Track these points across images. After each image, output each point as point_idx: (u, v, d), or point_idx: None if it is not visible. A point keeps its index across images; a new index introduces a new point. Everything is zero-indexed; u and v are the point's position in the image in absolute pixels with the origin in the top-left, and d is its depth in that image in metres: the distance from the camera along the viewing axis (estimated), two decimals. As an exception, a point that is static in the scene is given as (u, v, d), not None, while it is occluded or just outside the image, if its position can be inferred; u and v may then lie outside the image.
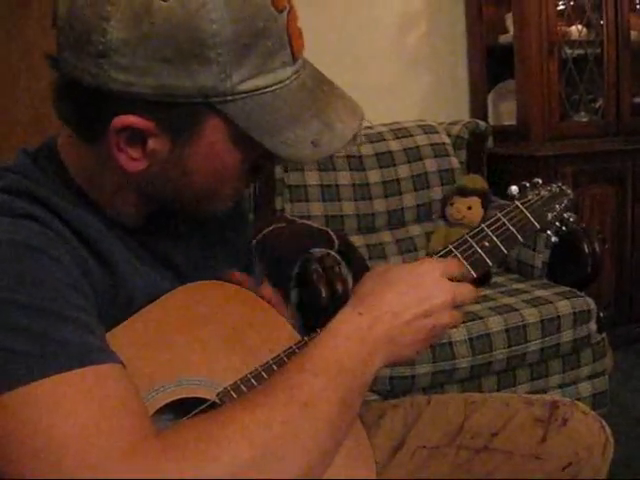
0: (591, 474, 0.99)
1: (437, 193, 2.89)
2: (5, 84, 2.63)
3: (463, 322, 2.14)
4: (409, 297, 0.85)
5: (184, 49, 0.72)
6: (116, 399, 0.68)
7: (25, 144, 0.90)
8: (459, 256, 0.97)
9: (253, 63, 0.76)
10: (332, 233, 2.44)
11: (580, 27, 3.14)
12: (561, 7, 3.07)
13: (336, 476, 0.85)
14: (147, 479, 0.63)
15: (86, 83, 0.75)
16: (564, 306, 2.28)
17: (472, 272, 0.98)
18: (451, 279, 0.90)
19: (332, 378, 0.77)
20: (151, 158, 0.80)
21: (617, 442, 1.05)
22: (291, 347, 0.91)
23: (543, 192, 1.12)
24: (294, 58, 0.80)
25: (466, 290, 0.90)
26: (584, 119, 3.24)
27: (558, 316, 2.25)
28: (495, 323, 2.18)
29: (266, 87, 0.78)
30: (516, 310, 2.24)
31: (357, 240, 2.70)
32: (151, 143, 0.78)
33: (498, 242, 1.01)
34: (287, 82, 0.80)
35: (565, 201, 1.13)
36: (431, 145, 2.92)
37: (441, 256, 0.97)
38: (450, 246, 0.98)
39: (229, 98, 0.76)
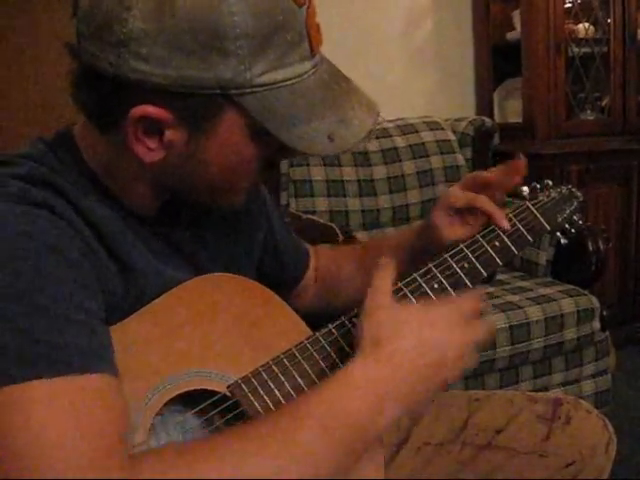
0: (594, 472, 0.99)
1: (442, 190, 2.89)
2: (12, 75, 2.64)
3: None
4: (426, 344, 0.83)
5: (204, 41, 0.72)
6: (96, 415, 0.67)
7: (27, 134, 0.90)
8: (470, 255, 0.98)
9: (272, 56, 0.76)
10: (337, 228, 2.45)
11: (587, 25, 3.14)
12: (568, 5, 3.06)
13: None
14: None
15: (105, 72, 0.75)
16: (568, 304, 2.28)
17: (482, 271, 0.98)
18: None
19: (329, 430, 0.75)
20: (168, 149, 0.80)
21: (620, 441, 1.05)
22: (302, 342, 0.91)
23: (553, 194, 1.12)
24: (312, 53, 0.81)
25: (479, 332, 0.88)
26: (590, 117, 3.24)
27: (562, 314, 2.25)
28: (498, 320, 2.17)
29: (284, 80, 0.78)
30: (520, 308, 2.23)
31: (362, 236, 2.70)
32: (168, 134, 0.78)
33: (509, 242, 1.01)
34: (305, 76, 0.80)
35: (575, 203, 1.14)
36: (437, 142, 2.92)
37: (452, 255, 0.97)
38: (461, 245, 0.99)
39: (247, 91, 0.76)
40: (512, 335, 2.18)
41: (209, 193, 0.89)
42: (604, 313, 2.34)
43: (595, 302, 2.32)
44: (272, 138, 0.79)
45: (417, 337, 0.83)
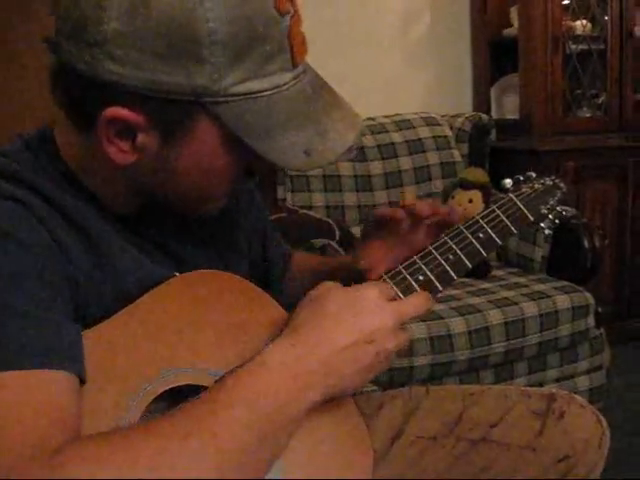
0: (587, 467, 0.99)
1: (438, 186, 2.90)
2: (10, 72, 2.63)
3: (462, 315, 2.16)
4: (347, 324, 0.81)
5: (178, 45, 0.72)
6: (37, 408, 0.67)
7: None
8: (454, 247, 0.98)
9: (249, 66, 0.75)
10: (333, 224, 2.45)
11: (584, 22, 3.14)
12: (566, 2, 3.06)
13: (333, 463, 0.86)
14: None
15: (80, 71, 0.75)
16: (563, 300, 2.28)
17: (467, 263, 0.98)
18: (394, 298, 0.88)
19: (248, 412, 0.73)
20: (140, 153, 0.79)
21: (613, 437, 1.05)
22: None
23: (537, 185, 1.13)
24: (294, 64, 0.79)
25: (412, 303, 0.88)
26: (587, 114, 3.25)
27: (557, 310, 2.26)
28: (494, 316, 2.18)
29: (261, 91, 0.76)
30: (515, 304, 2.24)
31: (358, 231, 2.70)
32: (140, 138, 0.77)
33: (492, 234, 1.01)
34: (284, 87, 0.78)
35: (558, 194, 1.14)
36: (433, 137, 2.93)
37: (436, 247, 0.97)
38: (445, 237, 0.99)
39: (221, 99, 0.75)
40: (507, 331, 2.19)
41: (183, 199, 0.88)
42: (599, 310, 2.35)
43: (590, 299, 2.33)
44: (247, 149, 0.78)
45: (339, 317, 0.82)
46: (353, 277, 0.98)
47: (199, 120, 0.77)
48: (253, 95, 0.76)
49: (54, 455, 0.64)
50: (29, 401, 0.67)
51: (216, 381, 0.80)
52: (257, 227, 1.15)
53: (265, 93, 0.77)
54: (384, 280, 0.94)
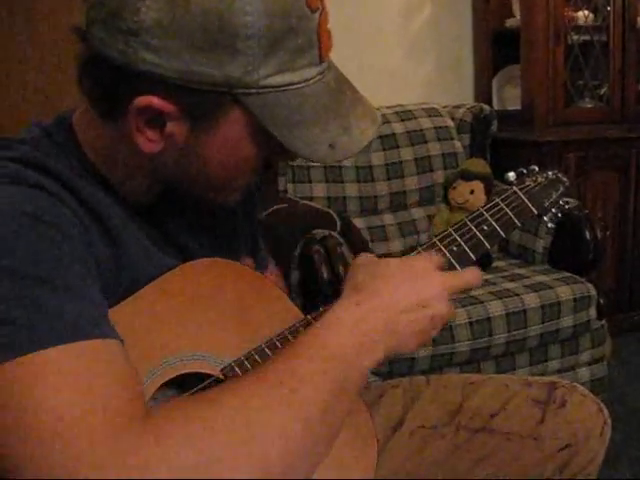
0: (588, 456, 0.99)
1: (440, 177, 2.89)
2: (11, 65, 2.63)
3: (463, 306, 2.15)
4: (404, 288, 0.84)
5: (215, 37, 0.72)
6: (106, 378, 0.67)
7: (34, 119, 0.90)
8: (459, 239, 0.98)
9: (281, 59, 0.76)
10: (334, 214, 2.45)
11: (587, 13, 3.13)
12: (568, -8, 3.06)
13: (339, 453, 0.86)
14: (128, 462, 0.62)
15: (113, 59, 0.75)
16: (564, 292, 2.28)
17: (471, 255, 0.99)
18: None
19: (326, 365, 0.75)
20: (168, 142, 0.80)
21: (615, 428, 1.05)
22: (294, 324, 0.91)
23: (540, 179, 1.13)
24: (321, 59, 0.80)
25: (464, 276, 0.90)
26: (589, 105, 3.23)
27: (558, 302, 2.26)
28: (495, 307, 2.18)
29: (291, 84, 0.77)
30: (517, 295, 2.24)
31: (359, 222, 2.71)
32: (170, 127, 0.78)
33: (497, 226, 1.02)
34: (311, 82, 0.79)
35: (561, 188, 1.14)
36: (435, 128, 2.92)
37: (441, 239, 0.98)
38: (450, 229, 1.00)
39: (253, 91, 0.75)
40: (509, 322, 2.19)
41: (205, 189, 0.88)
42: (601, 301, 2.35)
43: (592, 290, 2.33)
44: (273, 140, 0.79)
45: (397, 281, 0.85)
46: None
47: (229, 111, 0.77)
48: (283, 88, 0.77)
49: (145, 420, 0.66)
50: (98, 370, 0.67)
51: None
52: (251, 229, 1.16)
53: (294, 86, 0.78)
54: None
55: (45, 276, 0.69)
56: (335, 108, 0.82)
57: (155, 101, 0.75)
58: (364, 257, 0.90)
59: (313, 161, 0.82)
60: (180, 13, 0.71)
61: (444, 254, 0.97)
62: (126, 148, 0.83)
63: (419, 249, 0.97)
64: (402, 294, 0.83)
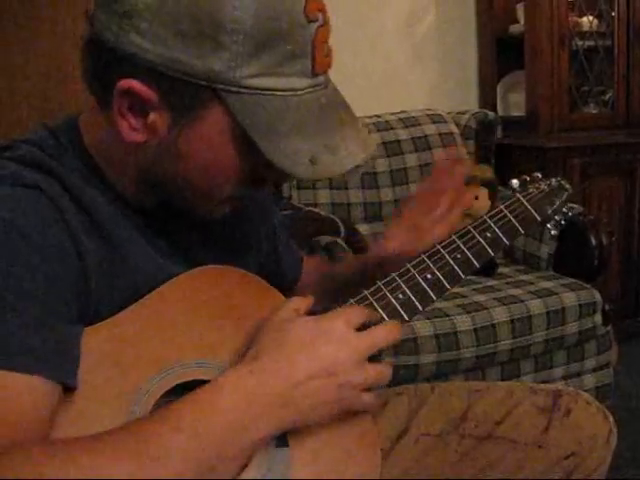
0: (594, 464, 0.99)
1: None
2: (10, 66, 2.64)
3: (468, 312, 2.15)
4: (308, 356, 0.78)
5: (202, 27, 0.72)
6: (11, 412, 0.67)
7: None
8: (462, 247, 0.98)
9: (267, 61, 0.75)
10: (339, 221, 2.45)
11: (591, 18, 3.13)
12: (573, -2, 3.06)
13: (342, 461, 0.85)
14: None
15: (107, 41, 0.76)
16: (569, 298, 2.27)
17: (475, 262, 0.98)
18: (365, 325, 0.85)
19: (195, 439, 0.71)
20: (150, 132, 0.79)
21: (620, 436, 1.05)
22: None
23: (543, 186, 1.13)
24: (314, 72, 0.79)
25: (381, 334, 0.84)
26: (593, 111, 3.23)
27: (563, 308, 2.25)
28: (500, 314, 2.17)
29: (275, 90, 0.76)
30: (521, 301, 2.23)
31: (364, 228, 2.70)
32: (152, 116, 0.78)
33: (500, 234, 1.02)
34: (299, 92, 0.78)
35: (565, 195, 1.14)
36: (439, 135, 2.91)
37: (444, 246, 0.97)
38: (454, 236, 1.00)
39: (234, 89, 0.75)
40: (514, 328, 2.18)
41: (186, 195, 0.86)
42: (606, 307, 2.34)
43: (597, 296, 2.32)
44: (254, 148, 0.77)
45: (300, 348, 0.79)
46: (384, 269, 1.00)
47: (211, 107, 0.77)
48: (266, 92, 0.76)
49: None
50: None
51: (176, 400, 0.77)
52: (268, 235, 1.14)
53: (278, 92, 0.77)
54: (393, 277, 0.93)
55: (7, 298, 0.69)
56: (322, 124, 0.80)
57: (136, 85, 0.75)
58: (282, 312, 0.85)
59: (293, 175, 0.79)
60: None
61: (447, 262, 0.97)
62: (116, 140, 0.82)
63: (422, 256, 0.96)
64: (303, 363, 0.78)
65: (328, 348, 0.79)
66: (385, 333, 0.84)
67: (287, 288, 1.19)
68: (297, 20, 0.75)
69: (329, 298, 0.97)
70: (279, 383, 0.76)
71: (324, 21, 0.78)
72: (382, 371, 0.83)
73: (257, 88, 0.75)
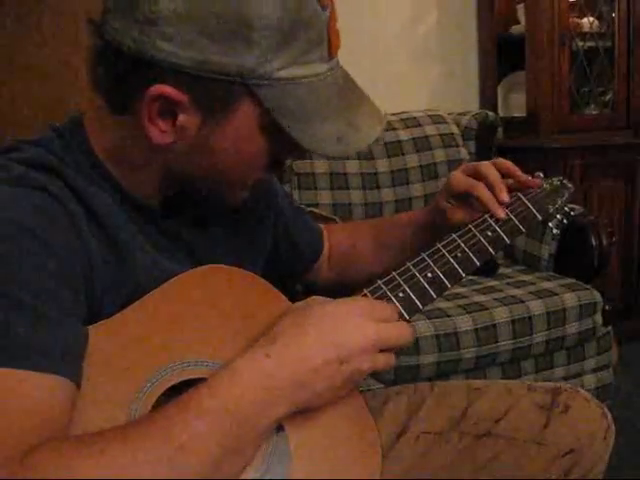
0: (592, 461, 0.99)
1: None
2: (16, 68, 2.64)
3: (469, 313, 2.15)
4: (324, 342, 0.80)
5: (230, 27, 0.73)
6: (16, 412, 0.67)
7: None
8: (462, 245, 0.98)
9: (293, 52, 0.77)
10: (340, 221, 2.44)
11: (592, 19, 3.14)
12: (573, -1, 3.06)
13: (343, 460, 0.86)
14: None
15: (127, 48, 0.76)
16: (570, 298, 2.28)
17: (475, 260, 0.99)
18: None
19: (217, 422, 0.72)
20: (179, 133, 0.80)
21: (620, 436, 1.05)
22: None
23: (545, 185, 1.13)
24: (330, 55, 0.82)
25: (395, 332, 0.85)
26: (594, 112, 3.23)
27: (564, 308, 2.25)
28: (501, 314, 2.18)
29: (302, 77, 0.79)
30: (522, 302, 2.24)
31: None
32: (182, 117, 0.79)
33: (501, 232, 1.02)
34: (321, 77, 0.81)
35: (566, 194, 1.15)
36: (440, 135, 2.91)
37: (445, 245, 0.98)
38: (454, 235, 1.00)
39: (266, 82, 0.77)
40: (514, 329, 2.18)
41: (215, 186, 0.89)
42: (606, 307, 2.35)
43: (597, 296, 2.32)
44: (283, 134, 0.79)
45: (319, 333, 0.80)
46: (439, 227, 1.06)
47: (241, 102, 0.78)
48: (295, 81, 0.78)
49: (26, 456, 0.64)
50: (13, 402, 0.67)
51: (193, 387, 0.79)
52: (276, 220, 1.16)
53: (305, 80, 0.79)
54: (393, 276, 0.94)
55: (12, 294, 0.69)
56: (343, 104, 0.84)
57: (168, 90, 0.76)
58: (301, 303, 0.87)
59: (321, 154, 0.83)
60: (197, 2, 0.73)
61: (447, 261, 0.97)
62: (137, 142, 0.83)
63: (422, 255, 0.97)
64: (320, 348, 0.79)
65: (344, 336, 0.81)
66: (399, 332, 0.86)
67: (309, 263, 1.22)
68: (314, 8, 0.78)
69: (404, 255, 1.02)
70: (297, 367, 0.78)
71: (332, 6, 0.82)
72: (390, 357, 0.85)
73: (286, 78, 0.78)
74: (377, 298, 0.92)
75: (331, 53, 0.82)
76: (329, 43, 0.81)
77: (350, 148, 0.83)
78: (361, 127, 0.84)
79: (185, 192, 0.92)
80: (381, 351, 0.84)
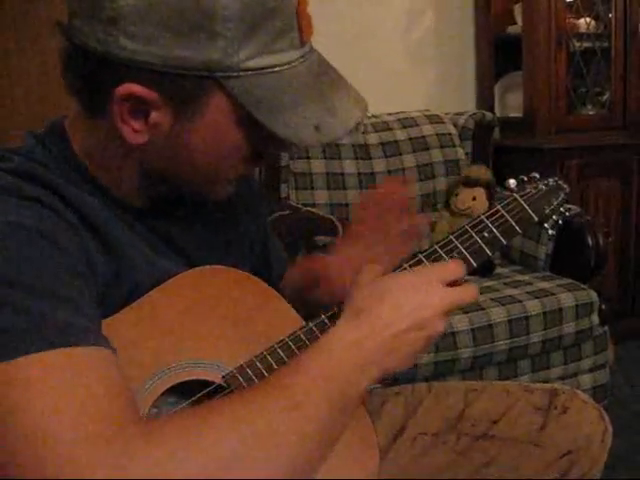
0: (590, 462, 0.99)
1: (442, 183, 2.89)
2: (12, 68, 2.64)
3: (465, 312, 2.15)
4: (403, 309, 0.83)
5: (193, 20, 0.72)
6: (98, 383, 0.67)
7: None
8: (459, 246, 0.98)
9: (261, 41, 0.76)
10: (336, 221, 2.45)
11: (589, 20, 3.14)
12: (570, -1, 3.06)
13: (341, 460, 0.86)
14: (122, 465, 0.62)
15: (93, 50, 0.75)
16: (567, 298, 2.28)
17: (472, 261, 0.99)
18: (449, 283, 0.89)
19: (325, 384, 0.76)
20: (153, 131, 0.80)
21: (617, 436, 1.05)
22: (296, 331, 0.91)
23: (540, 186, 1.13)
24: (302, 42, 0.81)
25: (462, 294, 0.88)
26: (591, 112, 3.24)
27: (560, 308, 2.25)
28: (497, 314, 2.18)
29: (272, 67, 0.78)
30: (519, 301, 2.24)
31: (362, 229, 2.70)
32: (154, 115, 0.78)
33: (497, 233, 1.02)
34: (293, 64, 0.80)
35: (562, 195, 1.14)
36: (437, 135, 2.92)
37: (442, 246, 0.98)
38: (451, 236, 1.00)
39: (234, 74, 0.76)
40: (511, 329, 2.18)
41: (193, 182, 0.88)
42: (603, 307, 2.35)
43: (594, 296, 2.33)
44: (258, 125, 0.78)
45: (396, 302, 0.83)
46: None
47: (212, 95, 0.77)
48: (265, 70, 0.77)
49: (145, 429, 0.66)
50: (88, 375, 0.67)
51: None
52: (259, 230, 1.16)
53: (275, 69, 0.78)
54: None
55: (39, 285, 0.69)
56: (318, 90, 0.82)
57: (136, 89, 0.75)
58: (366, 274, 0.89)
59: (299, 144, 0.81)
60: None
61: (444, 262, 0.97)
62: (114, 144, 0.83)
63: (419, 256, 0.97)
64: (401, 316, 0.83)
65: (421, 303, 0.84)
66: (465, 292, 0.88)
67: (273, 283, 1.21)
68: None
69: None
70: (383, 335, 0.81)
71: None
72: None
73: (255, 68, 0.76)
74: None
75: (302, 39, 0.81)
76: (300, 29, 0.80)
77: (329, 135, 0.82)
78: (339, 112, 0.83)
79: (168, 190, 0.91)
80: None
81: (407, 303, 0.84)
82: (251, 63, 0.76)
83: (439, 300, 0.85)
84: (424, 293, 0.85)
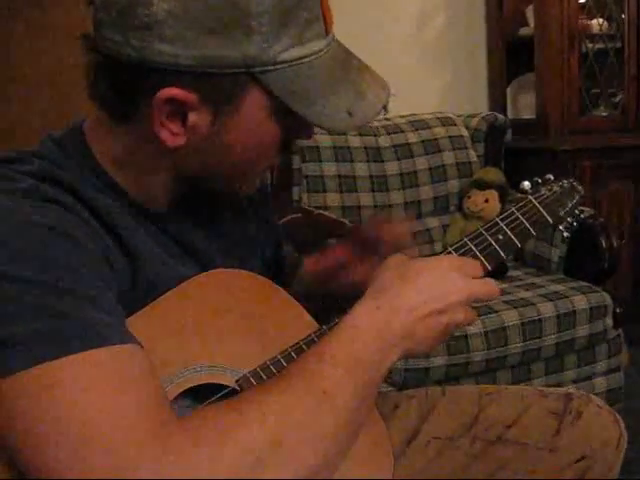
0: (604, 468, 0.99)
1: (454, 186, 2.89)
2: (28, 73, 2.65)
3: (479, 315, 2.14)
4: (426, 294, 0.84)
5: (227, 18, 0.73)
6: (137, 380, 0.69)
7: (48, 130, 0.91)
8: (474, 249, 0.97)
9: (292, 33, 0.77)
10: (349, 224, 2.45)
11: (601, 21, 3.13)
12: (582, 0, 3.05)
13: (355, 464, 0.86)
14: (167, 462, 0.64)
15: (127, 58, 0.76)
16: (580, 301, 2.27)
17: (487, 264, 0.98)
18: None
19: (350, 370, 0.77)
20: (191, 133, 0.80)
21: (632, 439, 1.04)
22: (310, 335, 0.91)
23: (555, 188, 1.12)
24: (327, 31, 0.82)
25: (484, 287, 0.89)
26: (604, 114, 3.23)
27: (574, 311, 2.24)
28: (511, 317, 2.17)
29: (303, 57, 0.79)
30: (532, 304, 2.23)
31: (374, 232, 2.69)
32: (192, 117, 0.79)
33: (512, 236, 1.01)
34: (321, 54, 0.81)
35: (577, 197, 1.14)
36: (449, 137, 2.91)
37: (456, 249, 0.97)
38: (465, 239, 0.99)
39: (270, 68, 0.77)
40: (524, 331, 2.17)
41: (228, 177, 0.90)
42: (617, 310, 2.34)
43: (608, 299, 2.32)
44: (293, 116, 0.80)
45: (419, 286, 0.85)
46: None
47: (249, 91, 0.79)
48: (297, 62, 0.79)
49: (185, 426, 0.68)
50: (125, 373, 0.68)
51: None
52: (271, 232, 1.16)
53: (306, 59, 0.80)
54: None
55: (66, 286, 0.70)
56: (347, 76, 0.84)
57: (176, 92, 0.76)
58: (395, 258, 0.90)
59: (335, 131, 0.84)
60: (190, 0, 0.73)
61: None
62: (145, 149, 0.84)
63: (449, 249, 0.97)
64: (423, 300, 0.84)
65: (444, 290, 0.85)
66: (488, 287, 0.89)
67: (285, 286, 1.21)
68: None
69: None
70: (403, 318, 0.83)
71: None
72: (475, 314, 0.89)
73: (289, 61, 0.78)
74: None
75: (327, 28, 0.82)
76: (325, 19, 0.82)
77: (362, 119, 0.84)
78: (368, 96, 0.85)
79: (195, 189, 0.92)
80: None
81: (430, 288, 0.85)
82: (285, 55, 0.77)
83: (461, 288, 0.86)
84: (448, 280, 0.86)
